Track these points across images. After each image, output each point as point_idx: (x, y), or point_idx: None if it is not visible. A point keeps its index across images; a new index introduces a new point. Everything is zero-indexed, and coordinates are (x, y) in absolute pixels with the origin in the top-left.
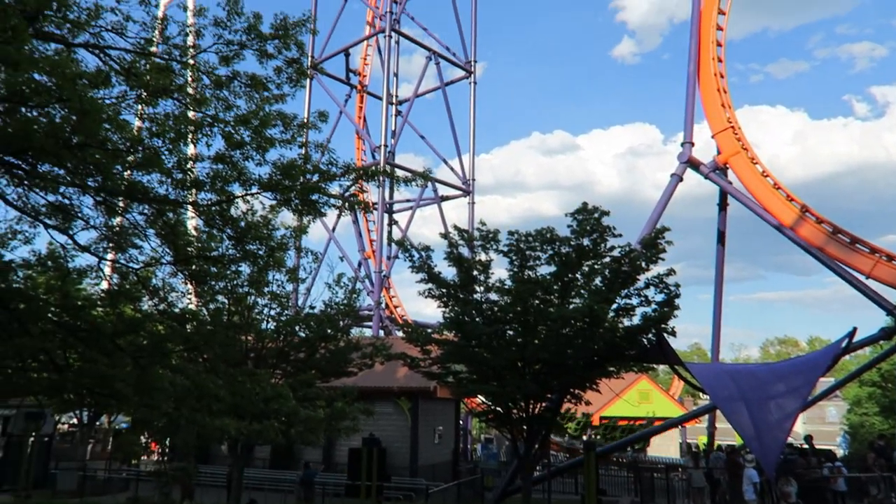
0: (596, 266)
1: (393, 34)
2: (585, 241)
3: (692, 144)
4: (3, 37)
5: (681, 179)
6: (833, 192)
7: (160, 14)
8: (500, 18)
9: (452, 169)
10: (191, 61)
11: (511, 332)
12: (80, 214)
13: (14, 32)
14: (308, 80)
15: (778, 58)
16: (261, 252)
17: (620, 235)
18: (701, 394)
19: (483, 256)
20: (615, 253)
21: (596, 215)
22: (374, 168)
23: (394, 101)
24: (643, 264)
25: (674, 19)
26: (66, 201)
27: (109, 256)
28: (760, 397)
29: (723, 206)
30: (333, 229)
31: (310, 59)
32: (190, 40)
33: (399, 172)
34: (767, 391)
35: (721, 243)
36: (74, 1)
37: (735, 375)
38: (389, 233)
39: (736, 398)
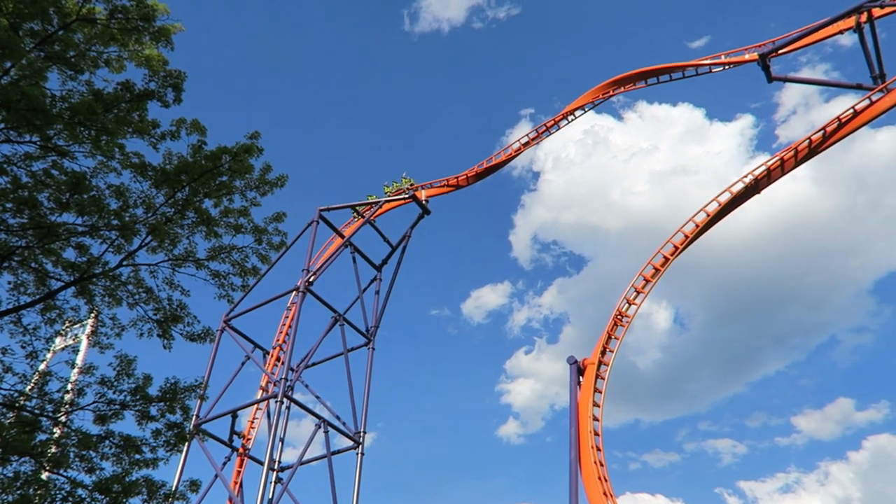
0: None
1: (285, 400)
2: None
3: None
4: None
5: None
6: None
7: (42, 367)
8: (391, 393)
9: None
10: (62, 418)
11: None
12: None
13: None
14: (186, 444)
15: (652, 448)
16: None
17: None
18: None
19: None
20: None
21: None
22: None
23: (275, 467)
24: None
25: (555, 405)
26: None
27: None
28: None
29: None
30: None
31: (194, 419)
32: (68, 397)
33: None
34: None
35: None
36: None
37: None
38: None
39: None
